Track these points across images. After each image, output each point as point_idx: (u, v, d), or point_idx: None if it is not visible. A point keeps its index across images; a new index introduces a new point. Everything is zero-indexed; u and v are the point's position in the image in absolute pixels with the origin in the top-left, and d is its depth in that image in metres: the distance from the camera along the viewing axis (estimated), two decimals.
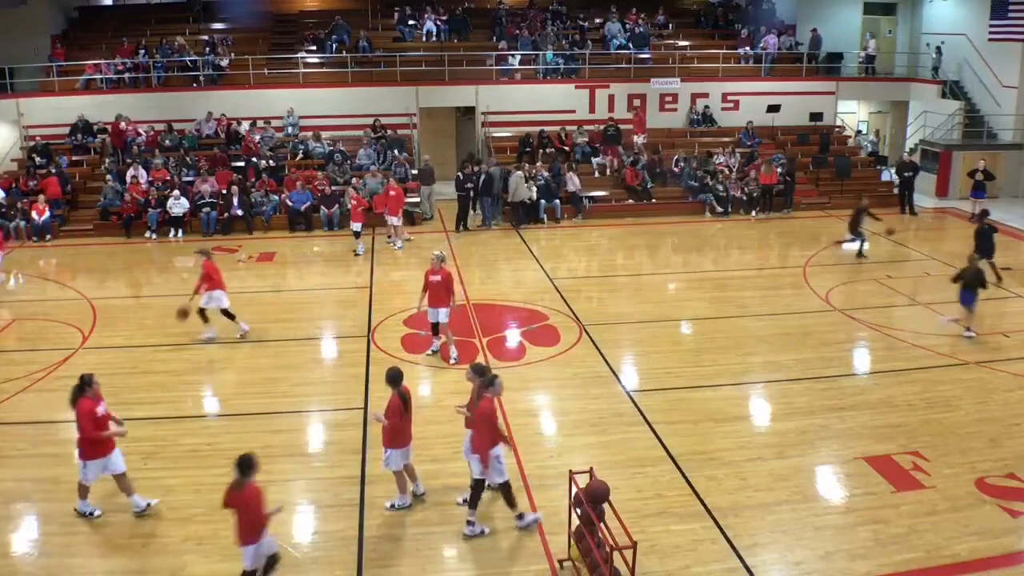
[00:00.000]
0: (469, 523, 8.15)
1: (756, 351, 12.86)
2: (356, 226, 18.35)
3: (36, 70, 24.11)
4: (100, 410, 8.41)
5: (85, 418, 8.23)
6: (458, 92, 24.66)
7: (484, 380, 8.12)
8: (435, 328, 12.46)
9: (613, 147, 23.21)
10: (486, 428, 7.95)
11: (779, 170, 22.03)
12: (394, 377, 8.43)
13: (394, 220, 18.89)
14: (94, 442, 8.31)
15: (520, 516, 8.24)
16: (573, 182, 21.70)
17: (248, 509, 7.05)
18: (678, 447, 9.78)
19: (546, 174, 21.45)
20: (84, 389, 8.30)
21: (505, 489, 8.14)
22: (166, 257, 18.78)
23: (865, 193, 23.17)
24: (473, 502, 8.15)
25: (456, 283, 15.71)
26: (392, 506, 8.61)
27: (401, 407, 8.33)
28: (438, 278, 12.09)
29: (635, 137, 23.20)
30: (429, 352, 12.63)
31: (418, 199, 21.36)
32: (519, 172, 20.79)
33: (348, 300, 15.41)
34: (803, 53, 26.12)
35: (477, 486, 8.12)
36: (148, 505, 8.56)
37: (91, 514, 8.46)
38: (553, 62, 25.14)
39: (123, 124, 22.47)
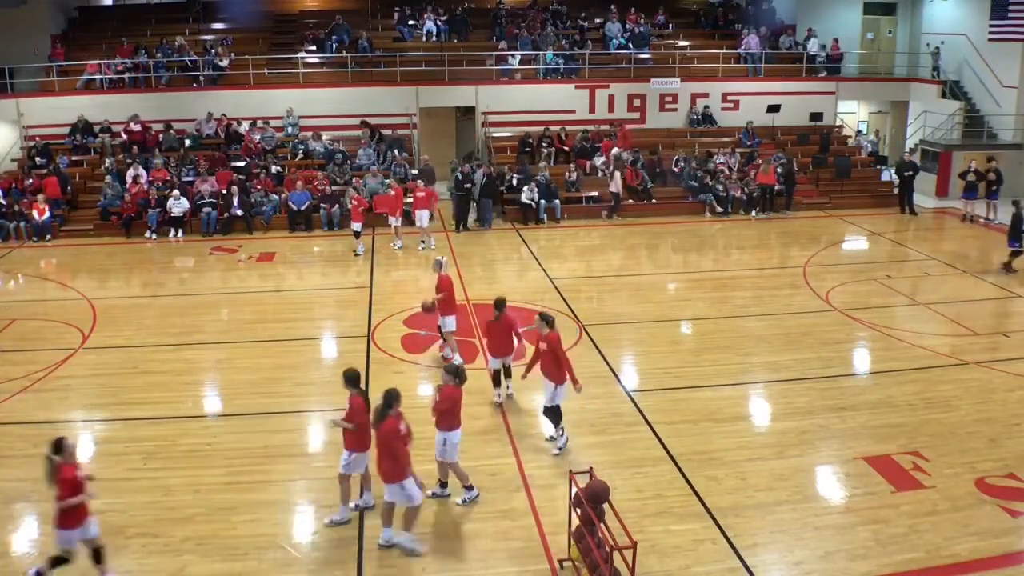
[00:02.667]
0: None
1: (756, 351, 12.86)
2: (356, 226, 18.34)
3: (36, 70, 24.11)
4: (401, 428, 7.87)
5: (391, 435, 7.69)
6: (458, 92, 24.66)
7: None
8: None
9: (583, 159, 23.15)
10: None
11: (778, 170, 22.03)
12: (353, 378, 8.27)
13: (394, 221, 18.86)
14: (395, 462, 7.73)
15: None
16: (616, 183, 21.66)
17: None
18: (678, 447, 9.78)
19: (547, 175, 21.44)
20: (391, 405, 7.78)
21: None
22: (166, 257, 18.78)
23: (867, 192, 23.35)
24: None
25: (456, 283, 15.78)
26: (331, 522, 8.29)
27: (364, 408, 8.16)
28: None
29: (614, 149, 23.07)
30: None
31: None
32: (481, 171, 20.83)
33: (348, 300, 15.41)
34: (803, 53, 26.12)
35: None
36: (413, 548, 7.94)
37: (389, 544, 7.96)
38: (553, 62, 25.14)
39: (133, 125, 22.57)
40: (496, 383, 10.99)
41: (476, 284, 16.16)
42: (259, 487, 9.02)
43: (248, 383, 11.73)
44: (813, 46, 26.14)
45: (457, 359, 11.99)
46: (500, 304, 10.65)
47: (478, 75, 24.65)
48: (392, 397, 7.82)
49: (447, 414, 8.45)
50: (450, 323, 12.13)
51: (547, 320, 9.57)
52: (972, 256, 18.27)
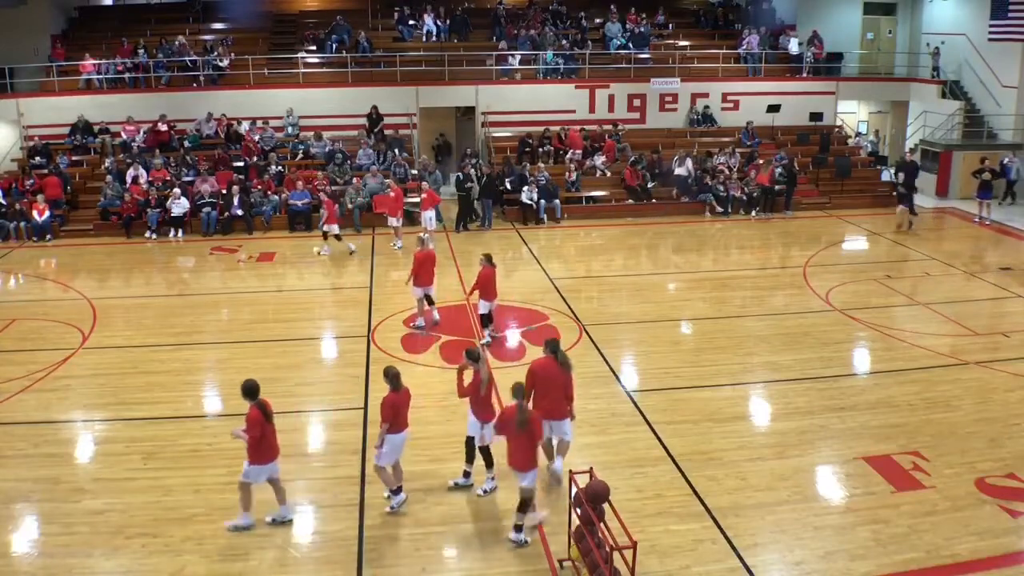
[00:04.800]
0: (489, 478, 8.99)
1: (756, 351, 12.86)
2: (333, 228, 18.17)
3: (36, 70, 24.11)
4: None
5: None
6: (458, 92, 24.67)
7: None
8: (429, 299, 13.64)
9: (583, 160, 23.25)
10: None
11: (778, 170, 22.02)
12: (250, 389, 8.18)
13: (394, 221, 18.77)
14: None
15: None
16: (687, 166, 21.98)
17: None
18: (678, 447, 9.78)
19: (547, 175, 21.44)
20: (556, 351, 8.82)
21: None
22: (166, 257, 18.77)
23: (867, 192, 23.35)
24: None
25: (457, 282, 15.82)
26: (233, 527, 8.24)
27: (261, 419, 8.09)
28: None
29: (570, 152, 23.07)
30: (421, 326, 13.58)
31: (418, 199, 21.32)
32: (469, 171, 20.90)
33: (348, 300, 15.41)
34: (802, 53, 26.11)
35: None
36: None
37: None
38: (553, 62, 25.15)
39: (161, 125, 22.70)
40: (484, 325, 12.97)
41: None
42: (259, 487, 8.99)
43: None
44: (794, 46, 26.13)
45: (420, 322, 13.50)
46: (489, 258, 12.68)
47: (478, 75, 24.65)
48: (556, 345, 8.94)
49: (387, 419, 8.30)
50: (416, 292, 13.42)
51: (473, 357, 8.72)
52: (972, 256, 18.28)
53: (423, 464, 9.20)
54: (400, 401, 8.44)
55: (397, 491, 8.61)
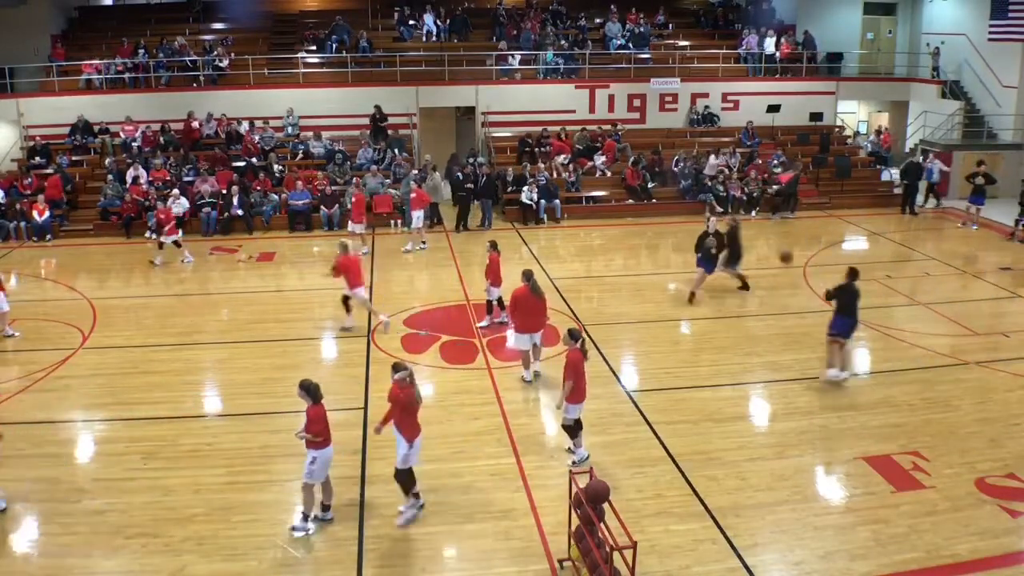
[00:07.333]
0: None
1: (756, 351, 12.86)
2: (171, 238, 17.91)
3: (36, 70, 24.12)
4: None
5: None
6: (458, 92, 24.67)
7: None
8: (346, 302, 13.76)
9: (584, 159, 23.29)
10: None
11: (778, 170, 22.02)
12: None
13: (357, 227, 18.31)
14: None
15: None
16: (712, 164, 22.26)
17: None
18: (678, 447, 9.78)
19: (547, 175, 21.44)
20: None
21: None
22: (166, 257, 18.70)
23: (867, 192, 23.33)
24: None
25: (457, 282, 15.82)
26: None
27: None
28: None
29: (557, 158, 23.10)
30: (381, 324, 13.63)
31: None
32: (436, 172, 20.87)
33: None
34: (802, 53, 26.12)
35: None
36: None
37: None
38: (553, 62, 25.14)
39: (194, 122, 22.77)
40: (489, 311, 13.87)
41: (476, 284, 16.13)
42: (259, 487, 9.02)
43: (248, 383, 11.74)
44: (769, 46, 26.10)
45: (383, 317, 13.59)
46: (494, 244, 13.64)
47: (478, 75, 24.65)
48: (531, 275, 11.20)
49: (325, 433, 8.12)
50: (360, 293, 13.60)
51: (398, 370, 8.30)
52: (972, 256, 18.26)
53: (423, 464, 9.18)
54: (323, 413, 8.12)
55: (325, 509, 8.35)
